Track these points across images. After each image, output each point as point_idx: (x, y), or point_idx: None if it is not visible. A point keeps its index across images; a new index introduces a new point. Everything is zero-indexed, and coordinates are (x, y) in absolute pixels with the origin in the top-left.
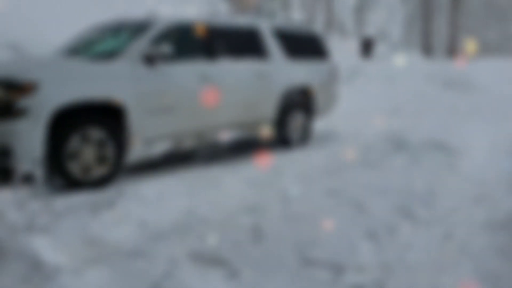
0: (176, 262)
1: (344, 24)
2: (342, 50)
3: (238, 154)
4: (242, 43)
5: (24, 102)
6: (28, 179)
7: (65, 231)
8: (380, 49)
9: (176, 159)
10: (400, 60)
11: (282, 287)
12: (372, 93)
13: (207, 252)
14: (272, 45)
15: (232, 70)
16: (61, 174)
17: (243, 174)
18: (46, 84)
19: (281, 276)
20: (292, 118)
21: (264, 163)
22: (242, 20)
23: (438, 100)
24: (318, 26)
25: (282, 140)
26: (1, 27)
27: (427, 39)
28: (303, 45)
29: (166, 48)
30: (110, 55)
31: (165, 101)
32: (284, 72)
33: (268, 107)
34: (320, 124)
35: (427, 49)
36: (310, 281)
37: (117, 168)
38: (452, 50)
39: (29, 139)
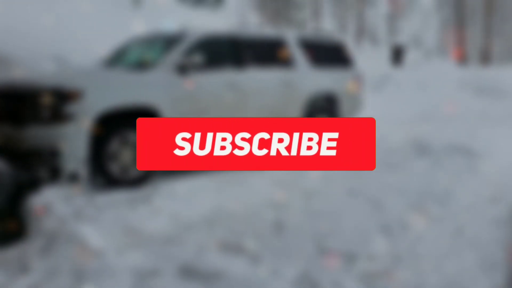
0: (204, 248)
1: (376, 32)
2: (372, 58)
3: None
4: (268, 52)
5: (70, 108)
6: (73, 177)
7: (107, 221)
8: (413, 56)
9: None
10: (431, 67)
11: (298, 272)
12: (400, 100)
13: (232, 241)
14: (297, 54)
15: (259, 78)
16: (102, 174)
17: (270, 174)
18: (90, 91)
19: (297, 262)
20: None
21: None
22: (268, 31)
23: (468, 106)
24: (349, 35)
25: None
26: (47, 40)
27: (460, 46)
28: (328, 54)
29: (197, 58)
30: (146, 65)
31: (196, 107)
32: (309, 79)
33: (294, 112)
34: None
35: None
36: (323, 267)
37: None
38: (486, 56)
39: (75, 142)
